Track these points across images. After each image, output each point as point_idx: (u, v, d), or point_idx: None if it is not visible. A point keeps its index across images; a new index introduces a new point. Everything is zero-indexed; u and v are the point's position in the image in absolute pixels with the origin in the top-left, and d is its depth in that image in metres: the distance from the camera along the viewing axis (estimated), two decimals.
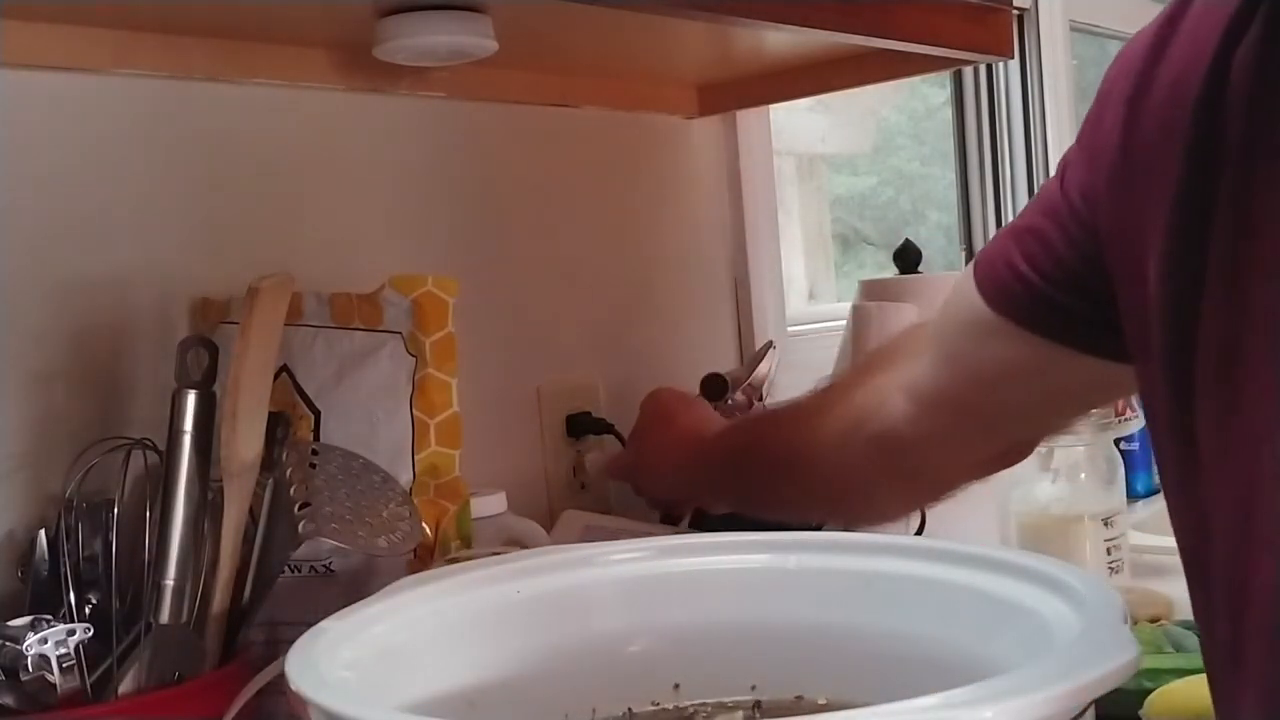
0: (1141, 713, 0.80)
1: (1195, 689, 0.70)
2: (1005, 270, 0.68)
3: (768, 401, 1.19)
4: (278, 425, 0.78)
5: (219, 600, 0.74)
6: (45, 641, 0.66)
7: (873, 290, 1.30)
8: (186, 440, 0.73)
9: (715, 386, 1.18)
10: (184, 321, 0.91)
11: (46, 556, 0.77)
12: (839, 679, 0.63)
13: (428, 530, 0.82)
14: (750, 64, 1.26)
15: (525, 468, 1.16)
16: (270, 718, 0.69)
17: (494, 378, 1.13)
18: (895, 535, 0.86)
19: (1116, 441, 1.24)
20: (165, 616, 0.72)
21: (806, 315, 1.66)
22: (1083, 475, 1.17)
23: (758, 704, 0.66)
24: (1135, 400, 1.23)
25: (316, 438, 0.85)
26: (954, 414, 0.78)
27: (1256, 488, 0.51)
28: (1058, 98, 2.02)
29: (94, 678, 0.70)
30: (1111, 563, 1.16)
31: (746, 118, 1.42)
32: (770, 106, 1.46)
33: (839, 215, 2.08)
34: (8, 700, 0.67)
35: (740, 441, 0.99)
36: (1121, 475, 1.19)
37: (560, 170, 1.23)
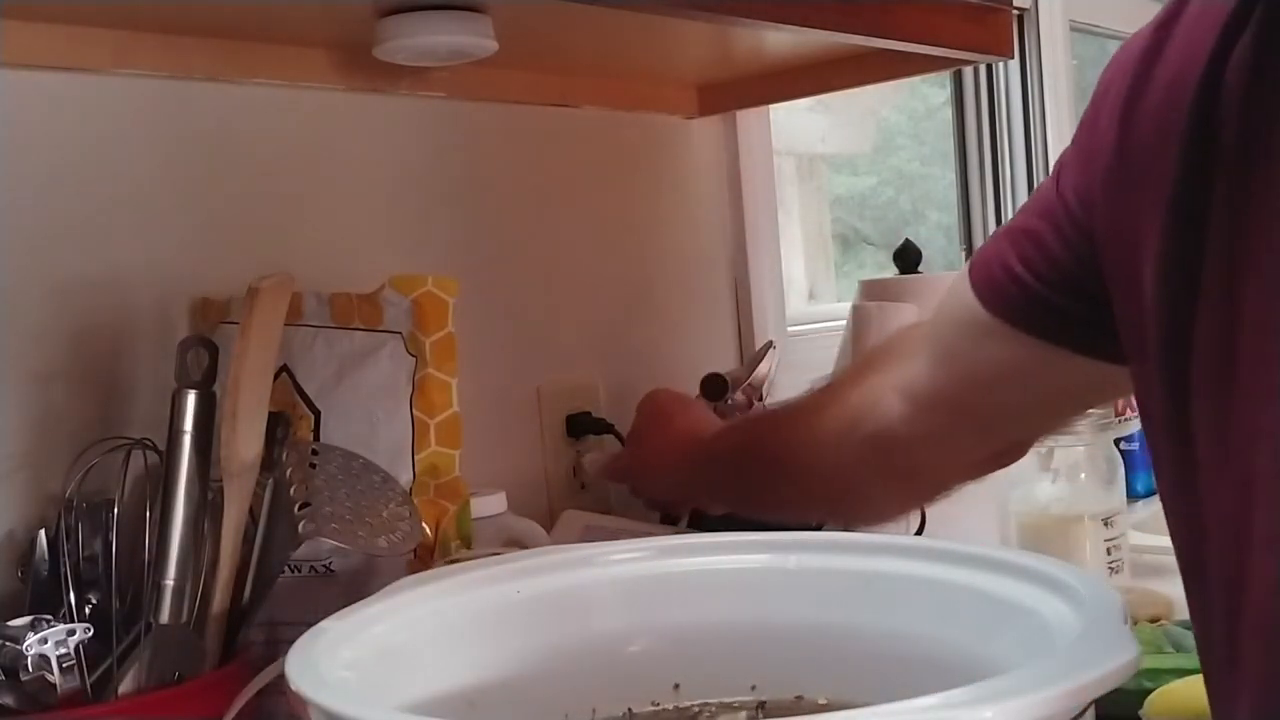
0: (1141, 713, 0.80)
1: (1195, 689, 0.70)
2: (1000, 272, 0.68)
3: (768, 401, 1.19)
4: (278, 425, 0.78)
5: (219, 600, 0.74)
6: (45, 641, 0.66)
7: (873, 290, 1.30)
8: (186, 440, 0.74)
9: (715, 386, 1.18)
10: (184, 321, 0.91)
11: (46, 556, 0.77)
12: (839, 679, 0.63)
13: (428, 530, 0.82)
14: (750, 64, 1.26)
15: (525, 468, 1.16)
16: (270, 718, 0.69)
17: (494, 378, 1.13)
18: (895, 535, 0.86)
19: (1116, 441, 1.24)
20: (165, 616, 0.72)
21: (806, 315, 1.66)
22: (1083, 475, 1.17)
23: (761, 704, 0.66)
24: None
25: (316, 438, 0.85)
26: (949, 414, 0.78)
27: (1253, 487, 0.51)
28: (1058, 98, 2.02)
29: (94, 678, 0.70)
30: (1111, 563, 1.15)
31: (746, 118, 1.42)
32: (770, 106, 1.46)
33: (839, 215, 2.08)
34: (8, 700, 0.67)
35: (737, 442, 0.99)
36: (1121, 475, 1.19)
37: (560, 170, 1.23)
